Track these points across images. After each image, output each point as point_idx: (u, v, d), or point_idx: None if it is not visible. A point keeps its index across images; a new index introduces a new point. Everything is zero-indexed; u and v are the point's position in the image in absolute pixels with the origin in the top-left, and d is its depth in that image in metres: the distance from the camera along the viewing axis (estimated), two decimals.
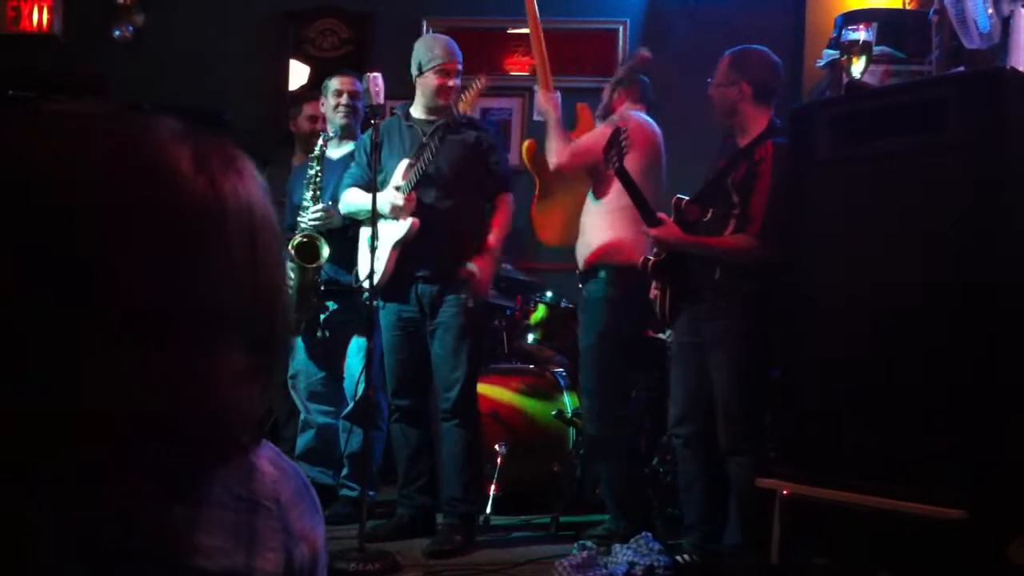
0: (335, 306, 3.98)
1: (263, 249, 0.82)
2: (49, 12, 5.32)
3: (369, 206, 3.43)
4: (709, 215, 3.24)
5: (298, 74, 5.48)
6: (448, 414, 3.64)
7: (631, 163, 3.30)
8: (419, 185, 3.58)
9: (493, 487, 3.94)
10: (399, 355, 3.73)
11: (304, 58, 5.48)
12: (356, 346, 3.91)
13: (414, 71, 3.74)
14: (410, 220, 3.57)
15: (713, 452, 3.18)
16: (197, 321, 0.79)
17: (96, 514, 0.79)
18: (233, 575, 0.83)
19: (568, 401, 4.15)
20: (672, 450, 3.58)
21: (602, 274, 3.57)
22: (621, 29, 5.34)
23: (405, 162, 3.63)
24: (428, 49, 3.72)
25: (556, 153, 3.63)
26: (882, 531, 2.55)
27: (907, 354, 2.52)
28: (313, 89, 4.57)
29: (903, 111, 2.68)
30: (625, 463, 3.61)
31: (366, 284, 3.59)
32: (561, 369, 4.36)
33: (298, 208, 4.00)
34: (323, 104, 4.21)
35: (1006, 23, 3.20)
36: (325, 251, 3.88)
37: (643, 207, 3.29)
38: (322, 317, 3.97)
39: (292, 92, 5.32)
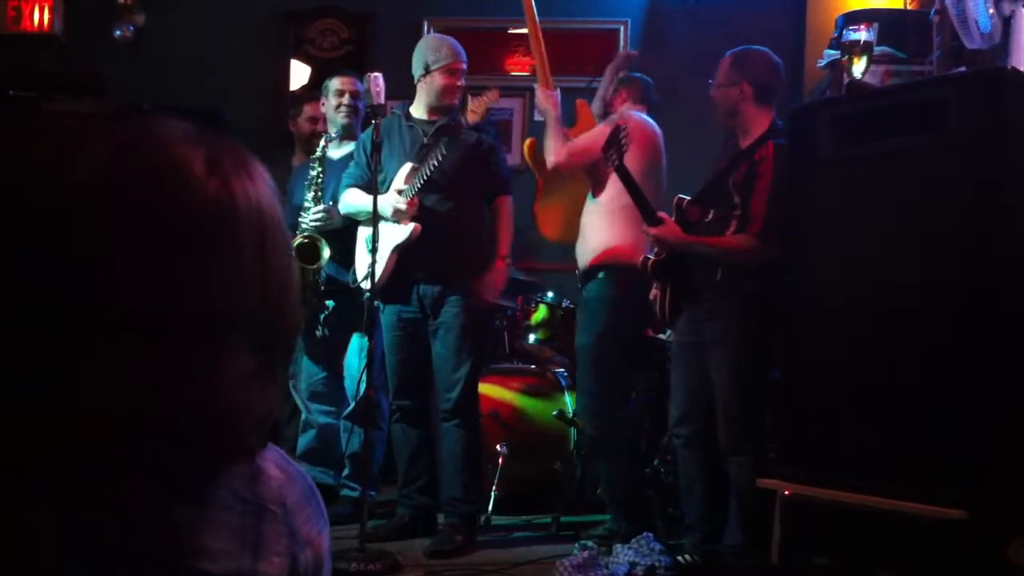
0: (333, 304, 3.98)
1: (273, 251, 0.82)
2: (50, 12, 5.32)
3: (369, 207, 3.43)
4: (710, 215, 3.24)
5: (298, 74, 5.48)
6: (449, 414, 3.64)
7: (631, 162, 3.30)
8: (421, 188, 3.58)
9: (494, 487, 3.94)
10: (400, 355, 3.73)
11: (304, 58, 5.48)
12: (357, 345, 3.91)
13: (419, 71, 3.73)
14: (411, 225, 3.57)
15: (713, 452, 3.18)
16: (202, 321, 0.79)
17: (96, 514, 0.79)
18: None
19: (569, 401, 4.15)
20: (672, 450, 3.58)
21: (601, 275, 3.57)
22: (622, 29, 5.34)
23: (408, 165, 3.63)
24: (435, 49, 3.72)
25: (554, 152, 3.64)
26: (882, 531, 2.55)
27: (907, 354, 2.51)
28: (313, 89, 4.57)
29: (903, 111, 2.68)
30: (625, 463, 3.60)
31: (364, 284, 3.60)
32: (562, 369, 4.36)
33: (298, 209, 4.00)
34: (323, 104, 4.21)
35: (1007, 23, 3.20)
36: (326, 252, 3.88)
37: (643, 206, 3.29)
38: (322, 316, 3.97)
39: (292, 92, 5.33)
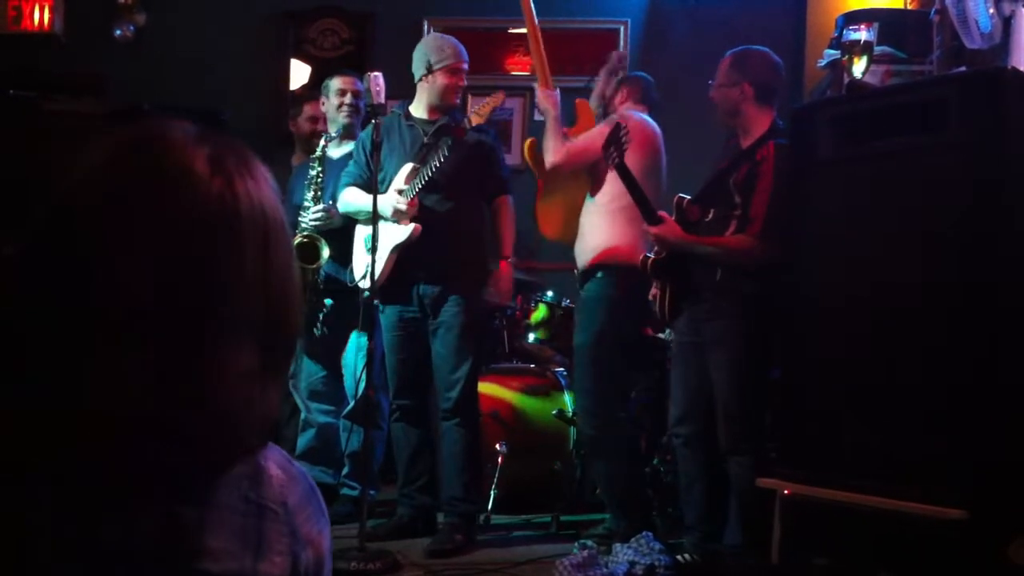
0: (332, 303, 3.98)
1: (275, 251, 0.83)
2: (50, 12, 5.32)
3: (369, 206, 3.42)
4: (710, 215, 3.24)
5: (298, 74, 5.48)
6: (449, 413, 3.64)
7: (631, 162, 3.30)
8: (421, 189, 3.58)
9: (494, 486, 3.94)
10: (400, 355, 3.73)
11: (305, 58, 5.48)
12: (357, 344, 3.91)
13: (420, 70, 3.73)
14: (412, 226, 3.57)
15: (713, 452, 3.18)
16: (203, 321, 0.79)
17: (96, 514, 0.79)
18: None
19: (569, 401, 4.15)
20: (672, 450, 3.57)
21: (600, 274, 3.57)
22: (622, 29, 5.34)
23: (409, 165, 3.62)
24: (438, 49, 3.72)
25: (553, 152, 3.64)
26: (882, 531, 2.55)
27: (907, 354, 2.51)
28: (313, 89, 4.57)
29: (903, 111, 2.67)
30: (623, 463, 3.60)
31: (362, 284, 3.60)
32: (562, 369, 4.36)
33: (298, 208, 4.00)
34: (324, 104, 4.21)
35: (1007, 23, 3.20)
36: (325, 252, 3.88)
37: (643, 205, 3.29)
38: (320, 315, 3.97)
39: (293, 92, 5.33)
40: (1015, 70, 2.70)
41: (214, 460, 0.83)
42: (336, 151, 4.10)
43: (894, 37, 3.86)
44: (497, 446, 4.01)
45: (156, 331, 0.77)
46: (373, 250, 3.36)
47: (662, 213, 3.29)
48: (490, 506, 3.91)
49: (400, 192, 3.58)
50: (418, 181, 3.55)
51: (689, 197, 3.30)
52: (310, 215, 3.93)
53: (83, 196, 0.80)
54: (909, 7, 4.33)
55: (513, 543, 3.68)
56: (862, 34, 3.05)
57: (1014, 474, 2.34)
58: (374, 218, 3.37)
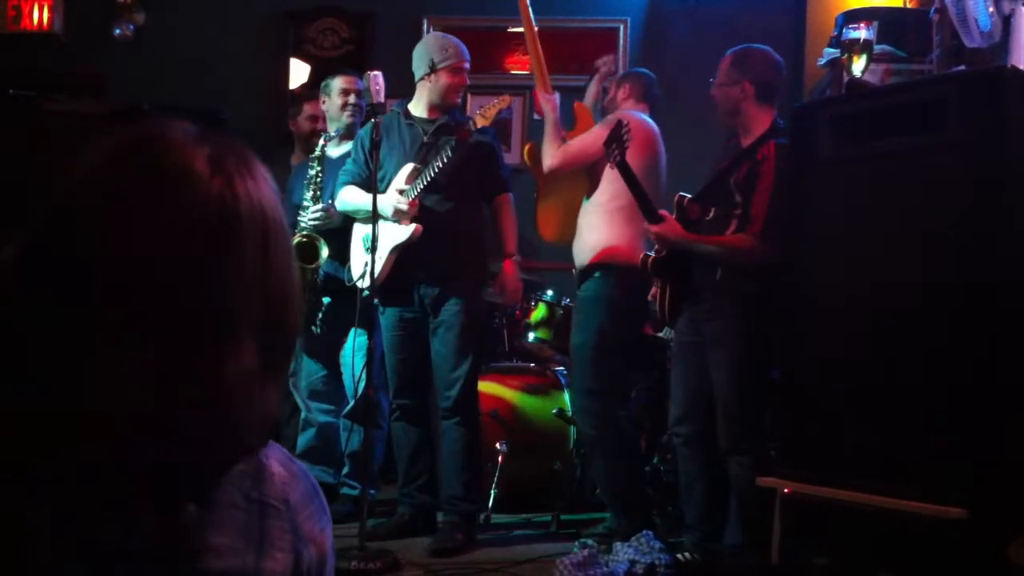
0: (330, 301, 3.98)
1: (275, 251, 0.83)
2: (50, 11, 5.32)
3: (368, 205, 3.42)
4: (711, 214, 3.24)
5: (298, 73, 5.47)
6: (448, 412, 3.64)
7: (631, 161, 3.30)
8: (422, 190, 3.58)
9: (494, 485, 3.94)
10: (400, 355, 3.73)
11: (305, 57, 5.48)
12: (357, 344, 3.91)
13: (422, 69, 3.72)
14: (413, 226, 3.57)
15: (713, 451, 3.18)
16: (203, 321, 0.79)
17: (96, 514, 0.79)
18: (242, 574, 0.84)
19: (569, 400, 4.15)
20: (672, 449, 3.58)
21: (598, 274, 3.57)
22: (622, 28, 5.34)
23: (410, 166, 3.62)
24: (441, 48, 3.72)
25: (550, 155, 3.65)
26: (883, 530, 2.55)
27: (907, 354, 2.51)
28: (313, 88, 4.57)
29: (903, 110, 2.67)
30: (623, 462, 3.60)
31: (360, 283, 3.60)
32: (562, 368, 4.36)
33: (297, 207, 4.00)
34: (324, 103, 4.21)
35: (1007, 22, 3.20)
36: (324, 251, 3.88)
37: (644, 203, 3.29)
38: (319, 314, 3.97)
39: (292, 91, 5.33)
40: (1015, 69, 2.70)
41: (215, 460, 0.83)
42: (335, 150, 4.10)
43: (894, 36, 3.86)
44: (497, 445, 4.01)
45: (156, 331, 0.77)
46: (372, 249, 3.36)
47: (663, 212, 3.29)
48: (490, 505, 3.91)
49: (401, 192, 3.58)
50: (420, 181, 3.55)
51: (689, 196, 3.30)
52: (309, 214, 3.93)
53: (83, 196, 0.80)
54: (909, 6, 4.33)
55: (513, 542, 3.68)
56: (862, 33, 3.05)
57: (1014, 474, 2.34)
58: (374, 217, 3.37)
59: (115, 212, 0.78)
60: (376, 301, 3.63)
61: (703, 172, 3.41)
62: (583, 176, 3.70)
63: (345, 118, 4.10)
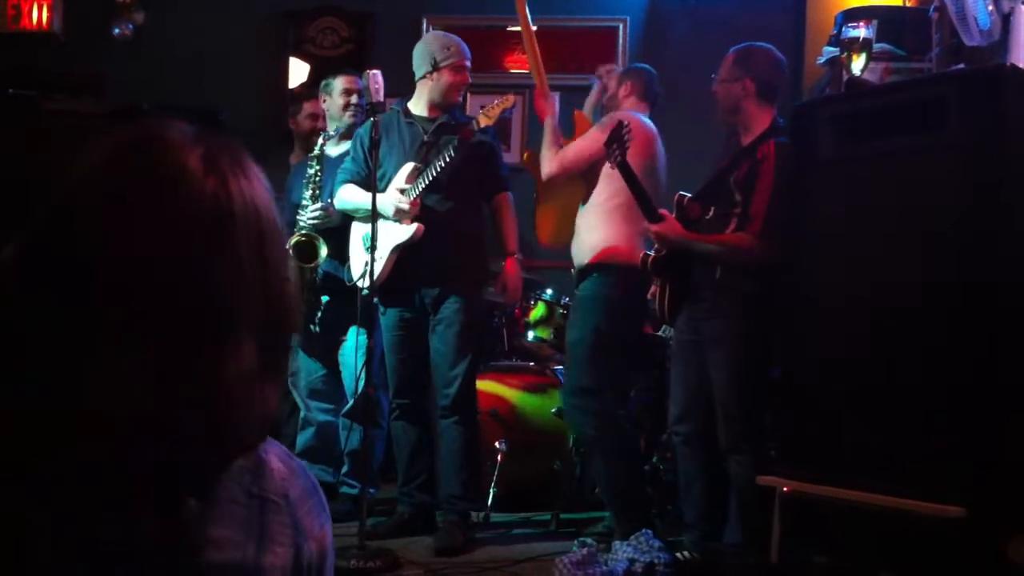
0: (328, 300, 3.98)
1: (270, 249, 0.83)
2: (49, 10, 5.32)
3: (367, 204, 3.42)
4: (711, 213, 3.24)
5: (298, 73, 5.47)
6: (447, 411, 3.64)
7: (631, 161, 3.30)
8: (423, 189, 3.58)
9: (493, 484, 3.94)
10: (400, 354, 3.73)
11: (304, 57, 5.48)
12: (354, 340, 3.91)
13: (424, 67, 3.72)
14: (414, 226, 3.57)
15: (713, 450, 3.18)
16: (201, 320, 0.79)
17: (96, 514, 0.79)
18: (242, 568, 0.84)
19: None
20: (672, 448, 3.57)
21: (597, 274, 3.57)
22: (621, 27, 5.34)
23: (410, 165, 3.62)
24: (444, 46, 3.71)
25: (547, 162, 3.66)
26: (882, 529, 2.55)
27: (907, 354, 2.51)
28: (313, 87, 4.57)
29: (903, 109, 2.67)
30: (621, 462, 3.59)
31: (360, 283, 3.59)
32: (561, 367, 4.35)
33: (296, 206, 4.00)
34: (324, 102, 4.21)
35: (1006, 20, 3.19)
36: (323, 250, 3.88)
37: (644, 202, 3.29)
38: (318, 313, 3.97)
39: (292, 90, 5.33)
40: (1014, 67, 2.69)
41: (214, 458, 0.83)
42: (334, 149, 4.10)
43: (893, 34, 3.86)
44: (497, 444, 4.01)
45: (156, 331, 0.77)
46: (372, 248, 3.36)
47: (663, 211, 3.29)
48: (490, 504, 3.91)
49: (402, 191, 3.58)
50: (421, 181, 3.55)
51: (689, 195, 3.30)
52: (308, 214, 3.93)
53: (83, 196, 0.80)
54: (908, 4, 4.32)
55: (513, 541, 3.69)
56: (861, 31, 3.05)
57: (1013, 473, 2.34)
58: (373, 216, 3.36)
59: (115, 212, 0.78)
60: (376, 301, 3.63)
61: (703, 171, 3.41)
62: (580, 181, 3.71)
63: (347, 118, 4.10)
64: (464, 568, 3.29)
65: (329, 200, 3.91)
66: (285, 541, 0.88)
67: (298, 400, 4.16)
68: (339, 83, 4.13)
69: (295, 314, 0.87)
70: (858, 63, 3.02)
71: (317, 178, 3.99)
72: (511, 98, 3.65)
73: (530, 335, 4.46)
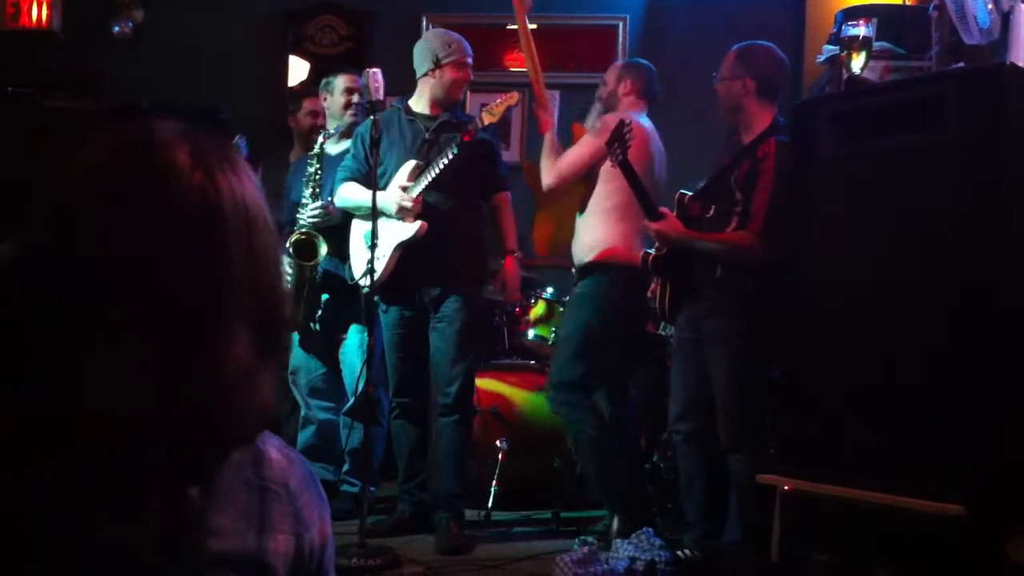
0: (328, 298, 3.98)
1: (260, 243, 0.84)
2: (48, 8, 5.32)
3: (367, 202, 3.42)
4: (711, 212, 3.25)
5: (297, 71, 5.47)
6: (448, 410, 3.64)
7: (631, 161, 3.30)
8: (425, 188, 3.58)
9: (494, 483, 3.94)
10: (400, 353, 3.74)
11: (303, 55, 5.48)
12: (356, 341, 3.91)
13: (426, 64, 3.71)
14: (418, 223, 3.56)
15: (713, 449, 3.18)
16: (198, 317, 0.79)
17: (96, 514, 0.79)
18: (244, 556, 0.84)
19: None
20: (672, 446, 3.57)
21: (597, 273, 3.58)
22: (621, 25, 5.34)
23: (412, 163, 3.62)
24: (446, 44, 3.71)
25: (546, 173, 3.67)
26: (882, 528, 2.55)
27: (907, 354, 2.51)
28: (313, 86, 4.57)
29: (903, 108, 2.67)
30: (620, 461, 3.60)
31: (362, 282, 3.59)
32: None
33: (296, 205, 4.00)
34: (325, 100, 4.20)
35: (1006, 19, 3.19)
36: (323, 249, 3.88)
37: (645, 201, 3.29)
38: (319, 311, 3.97)
39: (292, 88, 5.32)
40: (1014, 66, 2.69)
41: (213, 454, 0.84)
42: (334, 148, 4.09)
43: (893, 33, 3.85)
44: (497, 442, 4.02)
45: (156, 331, 0.78)
46: (373, 247, 3.36)
47: (663, 209, 3.30)
48: (491, 502, 3.91)
49: (404, 189, 3.57)
50: (423, 179, 3.55)
51: (690, 193, 3.30)
52: (308, 212, 3.93)
53: (83, 195, 0.80)
54: (908, 3, 4.32)
55: (513, 539, 3.69)
56: (861, 30, 3.05)
57: (1013, 472, 2.34)
58: (374, 215, 3.36)
59: (115, 211, 0.79)
60: (377, 299, 3.63)
61: (702, 169, 3.41)
62: (577, 191, 3.72)
63: (347, 117, 4.10)
64: (465, 566, 3.30)
65: (329, 198, 3.91)
66: (286, 529, 0.88)
67: (299, 398, 4.16)
68: (340, 82, 4.13)
69: (286, 305, 0.89)
70: (858, 61, 3.02)
71: (317, 176, 3.98)
72: (515, 95, 3.65)
73: (531, 334, 4.46)
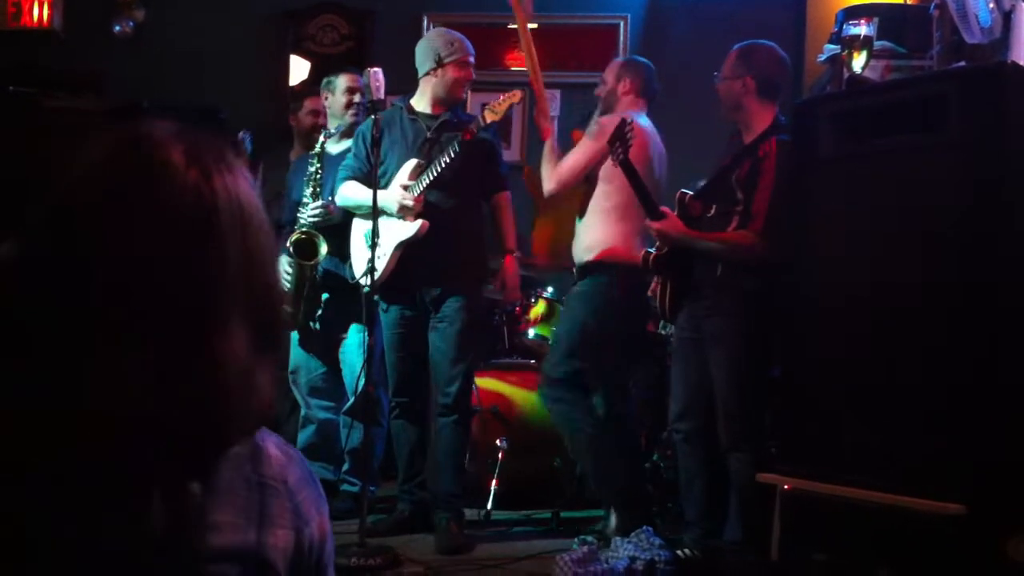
0: (328, 297, 3.98)
1: (254, 241, 0.84)
2: (49, 8, 5.32)
3: (368, 201, 3.42)
4: (712, 211, 3.25)
5: (298, 70, 5.47)
6: (448, 410, 3.64)
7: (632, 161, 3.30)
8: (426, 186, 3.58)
9: (494, 482, 3.94)
10: (400, 352, 3.74)
11: (304, 54, 5.48)
12: (357, 341, 3.91)
13: (428, 64, 3.71)
14: (419, 222, 3.56)
15: (713, 448, 3.18)
16: (198, 318, 0.79)
17: (96, 514, 0.79)
18: (244, 551, 0.85)
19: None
20: (673, 446, 3.58)
21: (594, 273, 3.58)
22: (622, 24, 5.34)
23: (413, 161, 3.62)
24: (448, 43, 3.71)
25: (547, 179, 3.67)
26: (881, 527, 2.55)
27: (907, 354, 2.50)
28: (314, 85, 4.57)
29: (904, 107, 2.67)
30: (619, 460, 3.60)
31: (362, 281, 3.59)
32: None
33: (297, 204, 3.99)
34: (326, 99, 4.20)
35: (1007, 18, 3.19)
36: (324, 248, 3.88)
37: (646, 200, 3.29)
38: (319, 311, 3.97)
39: (293, 87, 5.32)
40: (1015, 65, 2.69)
41: (212, 452, 0.84)
42: (335, 147, 4.09)
43: (894, 32, 3.85)
44: (497, 442, 4.02)
45: (156, 331, 0.78)
46: (373, 246, 3.36)
47: (664, 208, 3.30)
48: (490, 502, 3.91)
49: (405, 187, 3.57)
50: (424, 177, 3.55)
51: (691, 192, 3.30)
52: (308, 211, 3.93)
53: (83, 194, 0.81)
54: (909, 2, 4.32)
55: (513, 539, 3.69)
56: (862, 29, 3.05)
57: (1012, 471, 2.34)
58: (374, 213, 3.37)
59: (115, 210, 0.79)
60: (378, 298, 3.63)
61: (703, 168, 3.41)
62: (574, 197, 3.72)
63: (348, 117, 4.10)
64: (464, 565, 3.30)
65: (330, 198, 3.91)
66: (285, 524, 0.89)
67: (299, 398, 4.16)
68: (342, 81, 4.13)
69: (280, 300, 0.89)
70: (859, 61, 3.02)
71: (318, 176, 3.98)
72: (518, 93, 3.64)
73: (531, 333, 4.46)
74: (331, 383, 4.09)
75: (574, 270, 3.73)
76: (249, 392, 0.83)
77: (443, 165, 3.49)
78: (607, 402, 3.61)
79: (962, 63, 3.34)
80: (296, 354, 4.11)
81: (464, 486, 3.69)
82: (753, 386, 3.13)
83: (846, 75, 3.08)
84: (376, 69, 3.46)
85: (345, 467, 4.03)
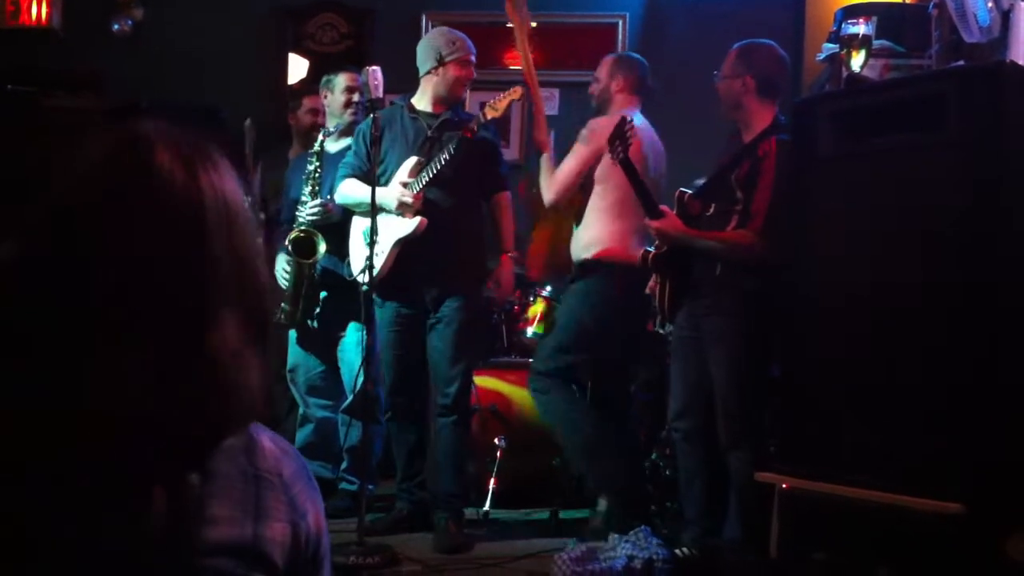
0: (327, 295, 3.98)
1: (240, 237, 0.85)
2: (48, 6, 5.31)
3: (367, 199, 3.42)
4: (712, 210, 3.25)
5: (297, 69, 5.47)
6: (447, 410, 3.64)
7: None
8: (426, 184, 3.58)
9: (493, 481, 3.94)
10: (397, 351, 3.73)
11: (304, 53, 5.47)
12: (355, 339, 3.91)
13: (429, 63, 3.71)
14: (417, 219, 3.56)
15: (713, 447, 3.18)
16: (197, 317, 0.79)
17: (96, 514, 0.79)
18: (241, 544, 0.85)
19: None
20: (672, 444, 3.58)
21: (592, 272, 3.59)
22: (620, 23, 5.33)
23: (413, 159, 3.62)
24: (450, 42, 3.71)
25: (546, 189, 3.68)
26: (881, 526, 2.56)
27: (907, 354, 2.50)
28: (313, 84, 4.57)
29: (903, 106, 2.67)
30: (618, 459, 3.60)
31: (361, 278, 3.59)
32: None
33: (296, 202, 3.99)
34: (325, 98, 4.20)
35: (1006, 17, 3.19)
36: (322, 246, 3.88)
37: (645, 199, 3.29)
38: (317, 309, 3.97)
39: (292, 86, 5.32)
40: (1014, 64, 2.69)
41: (210, 449, 0.84)
42: (334, 146, 4.09)
43: (893, 31, 3.85)
44: (496, 441, 4.02)
45: (155, 331, 0.78)
46: (371, 244, 3.36)
47: (663, 207, 3.30)
48: (489, 501, 3.91)
49: (405, 185, 3.57)
50: (424, 175, 3.55)
51: (690, 191, 3.30)
52: (307, 210, 3.92)
53: (83, 194, 0.81)
54: (907, 1, 4.32)
55: (512, 538, 3.69)
56: (861, 28, 3.05)
57: (1012, 470, 2.34)
58: (372, 211, 3.36)
59: (115, 210, 0.79)
60: (375, 296, 3.62)
61: (702, 167, 3.41)
62: (568, 206, 3.73)
63: (347, 116, 4.09)
64: (463, 564, 3.30)
65: (329, 196, 3.91)
66: (281, 517, 0.89)
67: (297, 396, 4.16)
68: (342, 80, 4.12)
69: (267, 291, 0.90)
70: (857, 60, 3.02)
71: (317, 174, 3.98)
72: (519, 90, 3.64)
73: (529, 332, 4.46)
74: (329, 381, 4.09)
75: (573, 268, 3.73)
76: (244, 388, 0.83)
77: (443, 162, 3.49)
78: (596, 392, 3.62)
79: (961, 62, 3.34)
80: (294, 353, 4.11)
81: (464, 486, 3.69)
82: (752, 385, 3.14)
83: (845, 74, 3.08)
84: (375, 68, 3.46)
85: (343, 465, 4.03)
